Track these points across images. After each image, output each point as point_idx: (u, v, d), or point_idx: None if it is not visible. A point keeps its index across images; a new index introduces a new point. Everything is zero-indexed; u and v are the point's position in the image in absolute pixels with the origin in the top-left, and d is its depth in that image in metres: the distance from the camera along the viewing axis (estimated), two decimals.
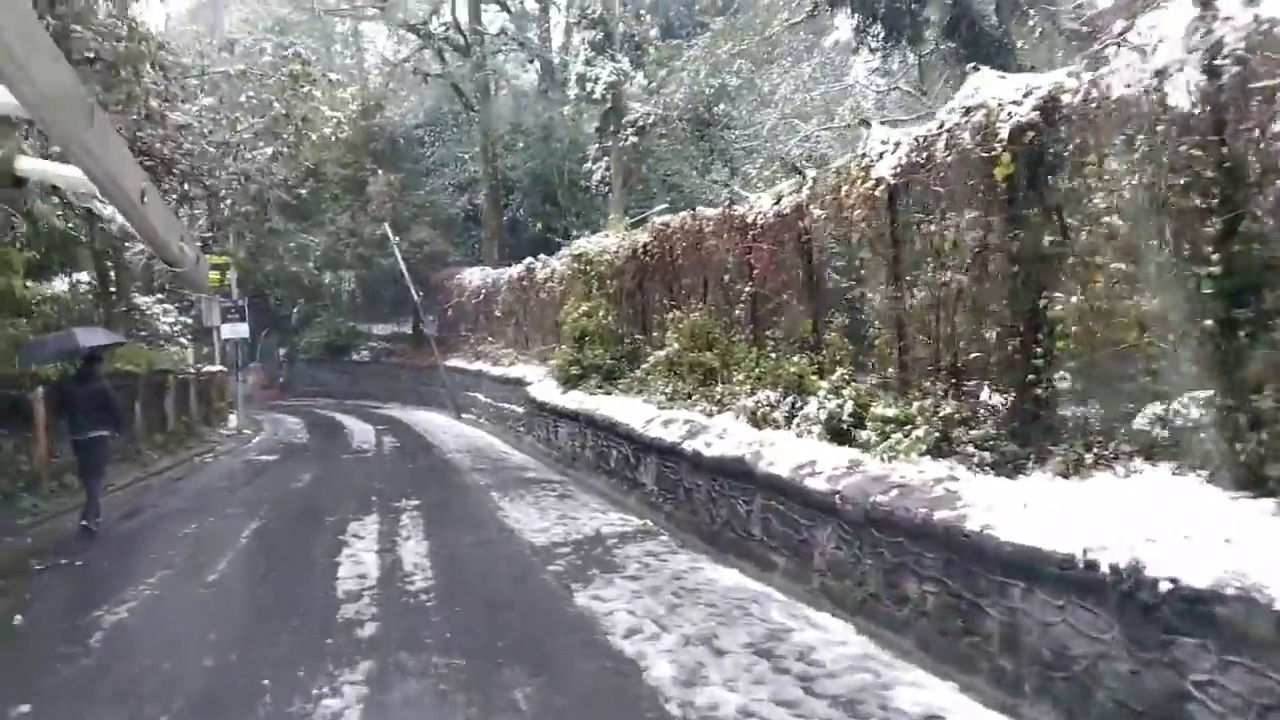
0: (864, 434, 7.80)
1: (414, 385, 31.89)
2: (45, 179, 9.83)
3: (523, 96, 41.55)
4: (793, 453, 7.96)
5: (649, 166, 33.04)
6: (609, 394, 14.88)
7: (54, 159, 9.12)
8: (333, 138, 21.76)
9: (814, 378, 8.98)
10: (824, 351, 9.18)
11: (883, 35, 22.58)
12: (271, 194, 19.78)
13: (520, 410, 20.39)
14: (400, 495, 12.18)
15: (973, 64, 8.50)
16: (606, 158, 28.63)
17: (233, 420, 23.84)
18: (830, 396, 8.33)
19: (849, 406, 8.10)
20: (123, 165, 7.20)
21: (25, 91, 4.96)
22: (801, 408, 8.96)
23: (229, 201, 17.80)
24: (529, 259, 22.95)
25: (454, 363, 28.14)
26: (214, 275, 25.23)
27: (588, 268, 16.33)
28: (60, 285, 23.71)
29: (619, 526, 9.91)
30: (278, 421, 26.13)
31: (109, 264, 20.06)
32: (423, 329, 33.88)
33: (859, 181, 8.14)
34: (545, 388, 18.01)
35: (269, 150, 16.74)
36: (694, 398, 11.54)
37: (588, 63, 28.20)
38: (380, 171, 30.88)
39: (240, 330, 22.46)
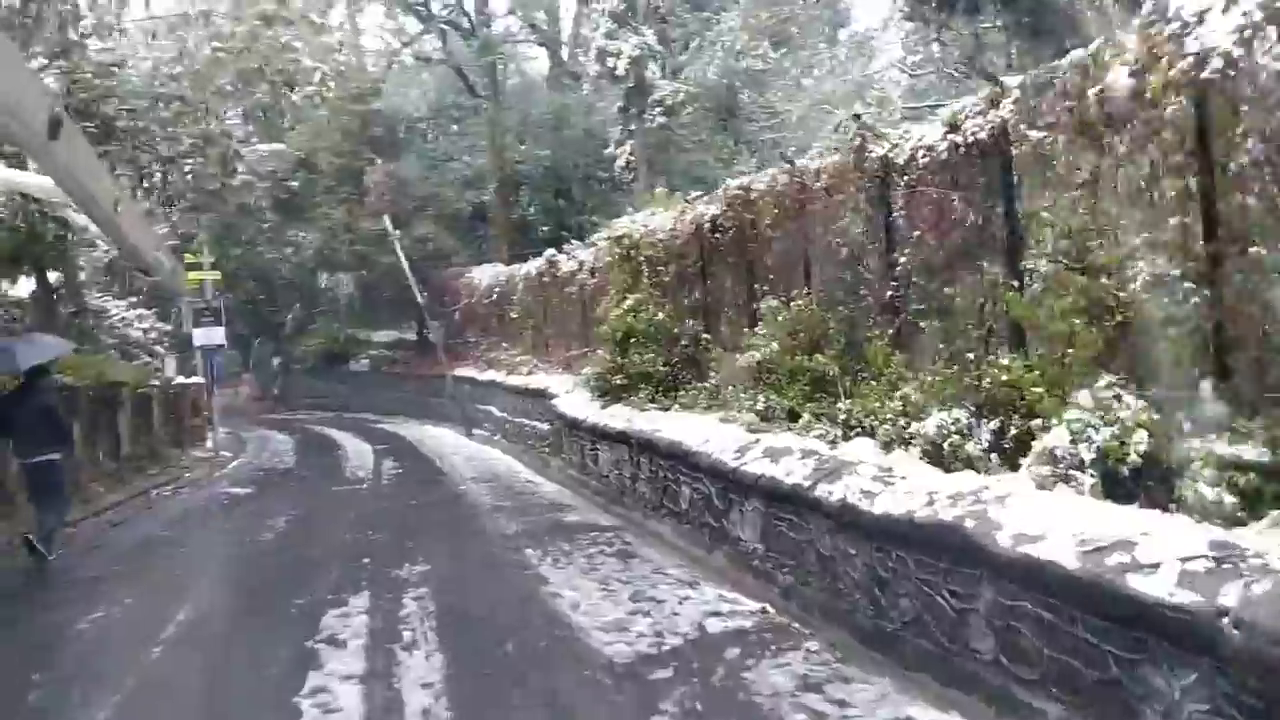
0: (1181, 488, 4.54)
1: (419, 397, 28.62)
2: (17, 188, 10.04)
3: (532, 86, 38.41)
4: (1054, 517, 4.66)
5: (670, 157, 29.89)
6: (665, 409, 11.62)
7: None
8: (318, 98, 18.51)
9: (1041, 389, 5.68)
10: (1049, 348, 5.88)
11: (936, 4, 19.88)
12: (235, 159, 16.49)
13: (544, 427, 17.12)
14: (401, 555, 8.81)
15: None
16: (631, 141, 25.39)
17: (211, 441, 20.56)
18: (1095, 423, 5.04)
19: (1140, 440, 4.82)
20: (94, 174, 6.99)
21: None
22: (1018, 434, 5.70)
23: (189, 174, 14.50)
24: (550, 251, 19.70)
25: (463, 372, 24.88)
26: (192, 277, 22.12)
27: (632, 252, 13.06)
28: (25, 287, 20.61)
29: (726, 617, 6.58)
30: (264, 440, 22.84)
31: (56, 263, 16.82)
32: (427, 335, 30.63)
33: (1152, 61, 4.85)
34: (576, 401, 14.76)
35: (238, 112, 13.41)
36: (803, 418, 8.27)
37: (609, 36, 24.97)
38: (379, 161, 27.62)
39: (215, 336, 19.18)
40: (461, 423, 24.05)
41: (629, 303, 12.73)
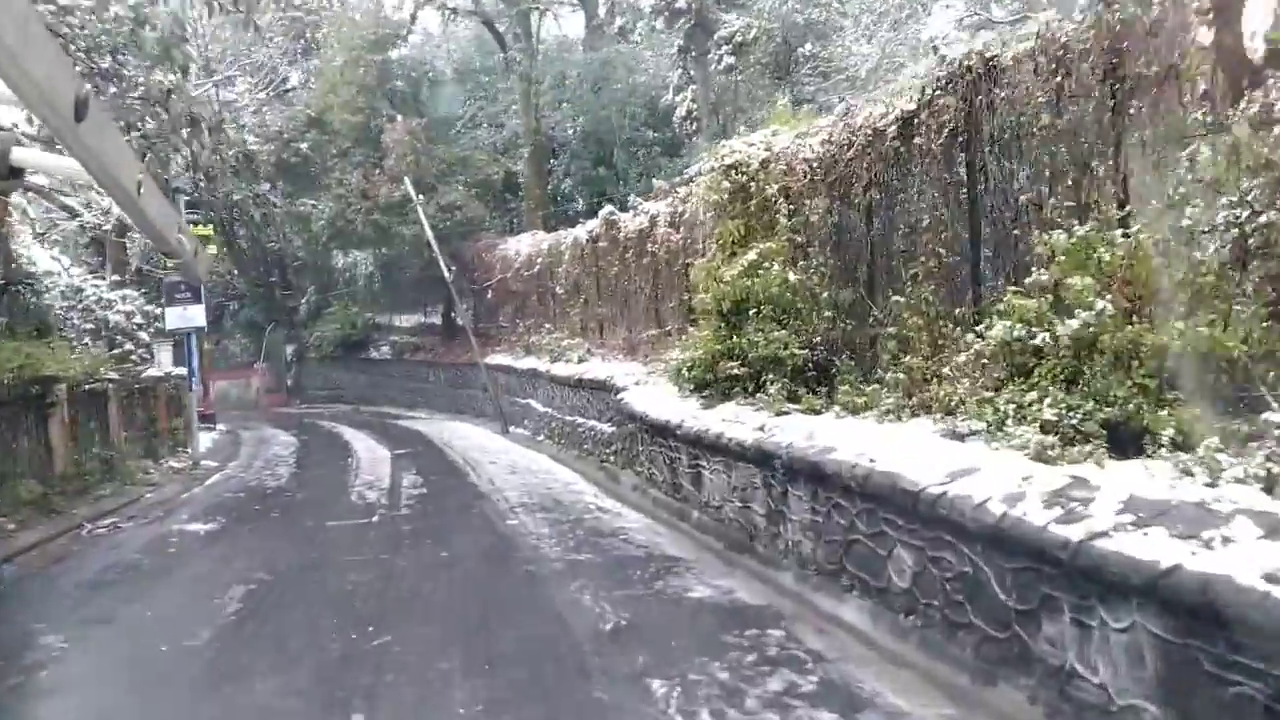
0: None
1: (446, 388, 24.76)
2: (41, 170, 10.28)
3: (567, 47, 34.39)
4: None
5: (726, 115, 25.82)
6: (816, 412, 7.66)
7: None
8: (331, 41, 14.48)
9: None
10: None
11: None
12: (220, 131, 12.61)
13: (607, 429, 13.17)
14: (425, 692, 4.80)
15: None
16: (693, 87, 21.36)
17: (200, 445, 16.70)
18: None
19: None
20: (119, 156, 6.86)
21: (19, 83, 4.77)
22: None
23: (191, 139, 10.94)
24: (608, 209, 15.70)
25: (497, 359, 20.97)
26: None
27: (752, 185, 9.03)
28: None
29: None
30: (264, 442, 18.99)
31: None
32: (454, 318, 26.76)
33: None
34: (657, 397, 10.85)
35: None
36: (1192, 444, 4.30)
37: None
38: (400, 117, 23.65)
39: (193, 317, 15.26)
40: (495, 419, 20.18)
41: (748, 257, 8.71)
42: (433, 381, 25.72)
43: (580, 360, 15.93)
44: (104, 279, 20.64)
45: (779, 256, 8.48)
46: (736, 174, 9.08)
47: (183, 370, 21.83)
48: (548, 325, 18.86)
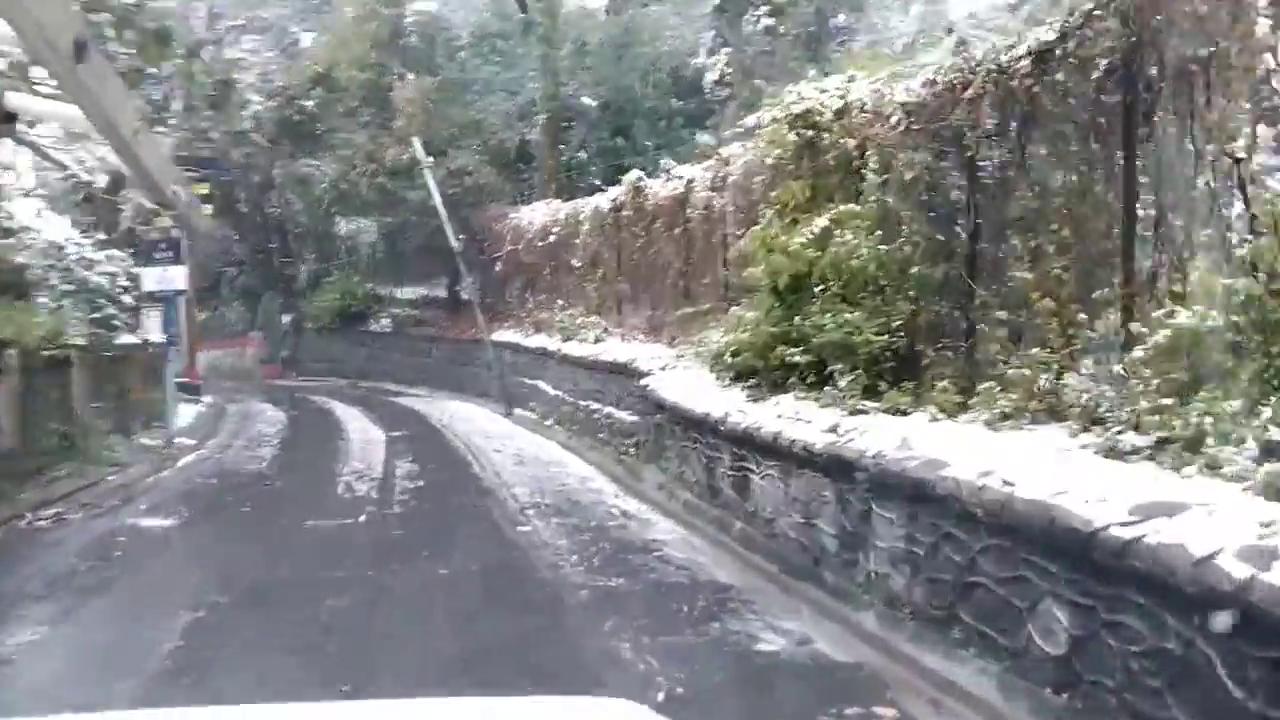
0: None
1: (448, 365, 23.34)
2: (38, 116, 10.19)
3: (589, 12, 32.80)
4: None
5: (753, 88, 24.28)
6: (903, 412, 6.27)
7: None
8: None
9: None
10: None
11: None
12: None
13: (627, 419, 11.79)
14: None
15: None
16: (726, 49, 19.85)
17: (180, 419, 15.32)
18: None
19: None
20: (118, 101, 6.99)
21: (21, 22, 4.93)
22: None
23: None
24: (634, 175, 14.23)
25: (504, 336, 19.57)
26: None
27: (821, 139, 7.58)
28: None
29: None
30: (250, 418, 17.60)
31: None
32: (460, 292, 25.33)
33: None
34: (689, 385, 9.50)
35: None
36: None
37: None
38: (412, 75, 22.13)
39: (173, 279, 13.78)
40: (500, 399, 18.79)
41: (818, 224, 7.27)
42: (435, 357, 24.32)
43: (597, 340, 14.52)
44: (91, 238, 19.23)
45: (856, 223, 7.04)
46: (805, 126, 7.63)
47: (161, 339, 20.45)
48: (561, 301, 17.42)
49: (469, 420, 16.75)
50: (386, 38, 23.08)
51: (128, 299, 18.18)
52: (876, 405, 6.49)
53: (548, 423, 15.64)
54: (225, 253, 33.43)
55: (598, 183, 26.64)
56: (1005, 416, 5.48)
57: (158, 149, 12.71)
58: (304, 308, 30.99)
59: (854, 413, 6.47)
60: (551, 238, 18.06)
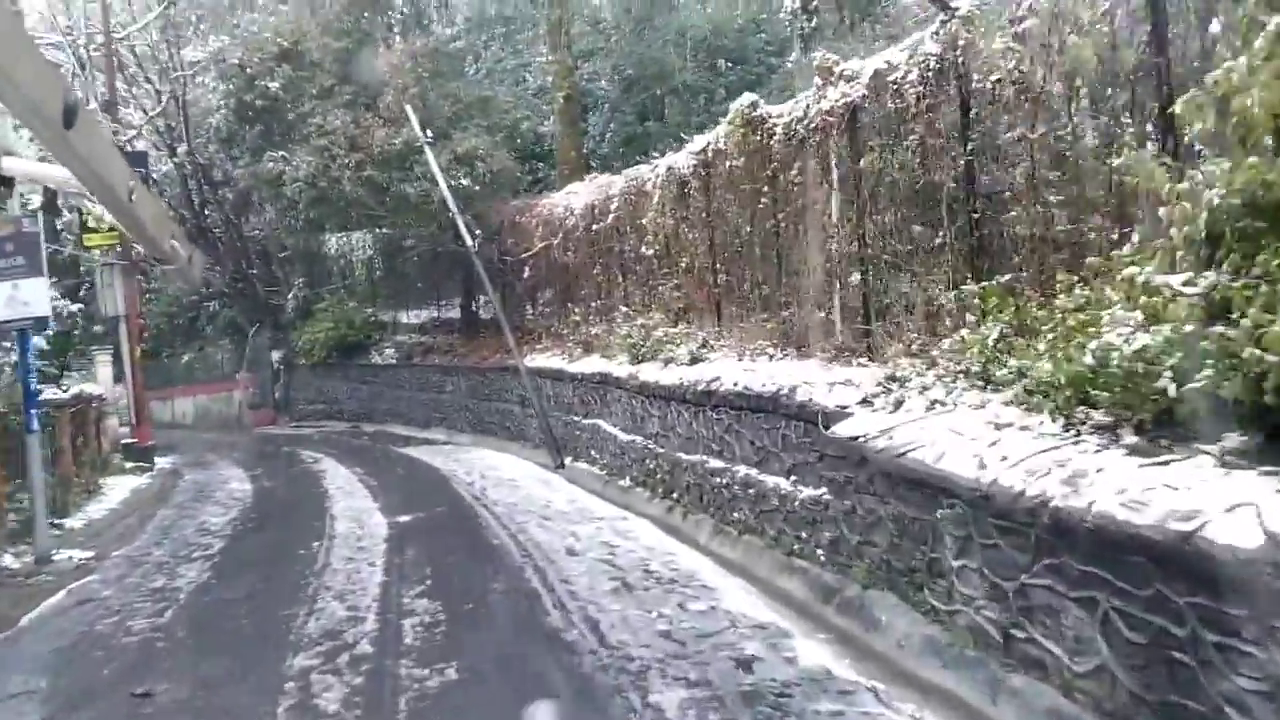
0: None
1: (469, 399, 18.26)
2: (32, 178, 9.80)
3: None
4: None
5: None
6: None
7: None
8: None
9: None
10: None
11: None
12: None
13: (804, 493, 6.62)
14: None
15: None
16: None
17: (100, 504, 10.23)
18: None
19: None
20: (110, 161, 6.65)
21: (7, 94, 4.65)
22: None
23: None
24: (745, 99, 9.07)
25: (539, 361, 14.57)
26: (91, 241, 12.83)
27: None
28: None
29: None
30: (203, 498, 12.43)
31: None
32: (476, 309, 20.28)
33: None
34: (972, 433, 4.28)
35: None
36: None
37: None
38: (400, 39, 17.13)
39: (28, 301, 8.32)
40: (540, 444, 13.75)
41: None
42: (450, 391, 19.22)
43: (694, 359, 9.40)
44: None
45: None
46: None
47: (114, 390, 15.51)
48: (624, 309, 12.34)
49: (511, 484, 11.62)
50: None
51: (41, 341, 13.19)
52: None
53: (622, 483, 10.54)
54: (205, 283, 28.50)
55: (624, 162, 21.79)
56: None
57: (153, 204, 10.33)
58: (294, 341, 25.96)
59: None
60: (603, 223, 12.94)
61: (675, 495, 9.14)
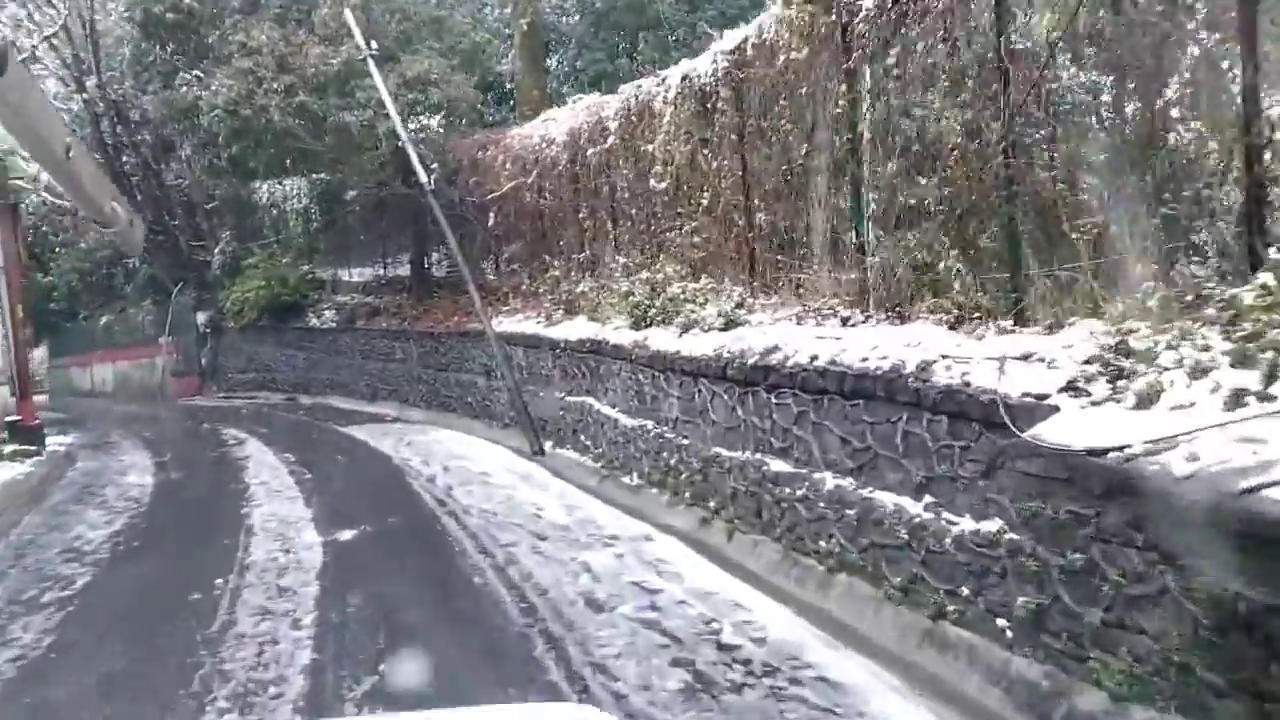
0: None
1: (422, 369, 15.69)
2: None
3: None
4: None
5: None
6: None
7: None
8: None
9: None
10: None
11: None
12: None
13: (961, 526, 4.28)
14: None
15: None
16: None
17: None
18: None
19: None
20: (45, 116, 6.32)
21: None
22: None
23: None
24: None
25: (508, 326, 12.15)
26: None
27: None
28: None
29: None
30: (85, 499, 9.70)
31: None
32: (429, 267, 17.61)
33: None
34: None
35: None
36: None
37: None
38: None
39: None
40: (514, 424, 11.37)
41: None
42: (401, 359, 16.62)
43: (729, 323, 7.03)
44: None
45: None
46: None
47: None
48: (620, 260, 9.88)
49: (483, 480, 9.14)
50: None
51: None
52: None
53: (629, 481, 8.20)
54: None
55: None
56: None
57: (91, 165, 9.66)
58: (222, 302, 22.98)
59: None
60: (596, 151, 10.39)
61: (712, 504, 6.81)
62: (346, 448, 11.96)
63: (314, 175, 20.40)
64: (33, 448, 12.46)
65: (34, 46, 18.11)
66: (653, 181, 8.96)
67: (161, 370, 25.18)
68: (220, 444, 12.94)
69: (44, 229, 27.59)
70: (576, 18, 23.55)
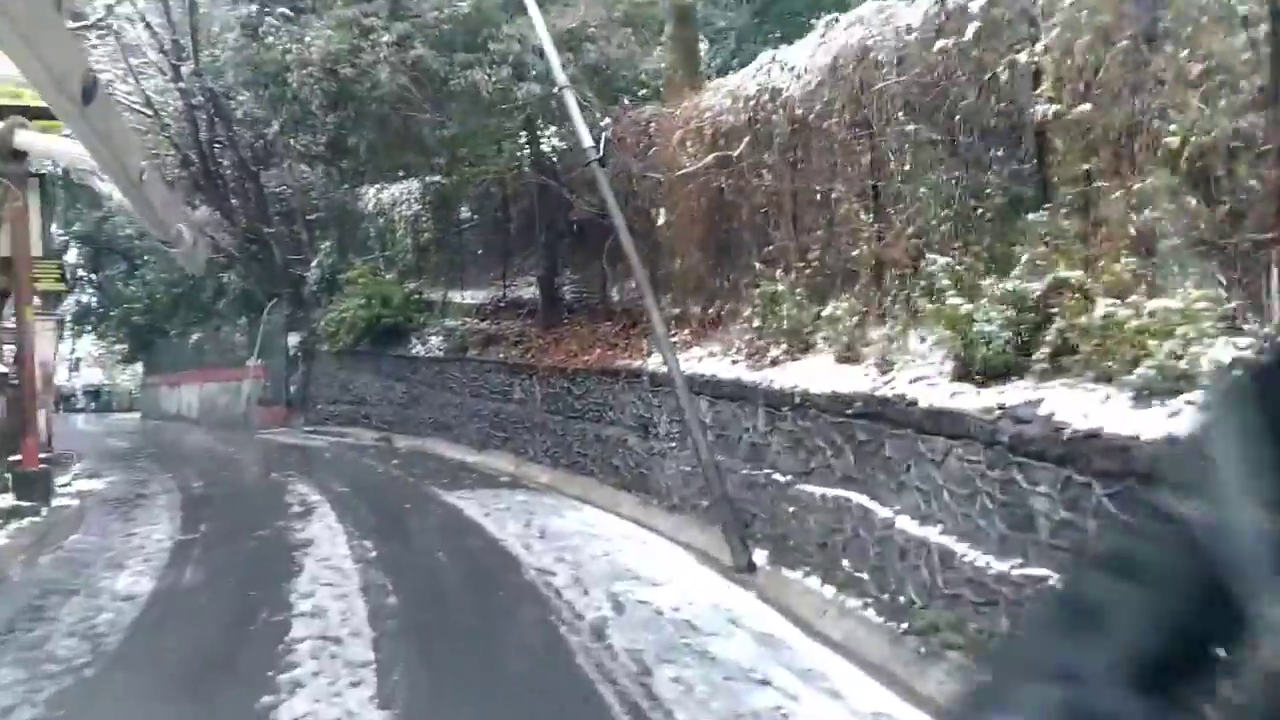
0: None
1: (549, 415, 11.76)
2: (45, 154, 9.71)
3: None
4: None
5: None
6: None
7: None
8: None
9: None
10: None
11: None
12: None
13: None
14: None
15: None
16: None
17: None
18: None
19: None
20: (124, 140, 6.64)
21: (30, 66, 4.50)
22: None
23: None
24: None
25: (692, 363, 8.15)
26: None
27: None
28: None
29: None
30: (74, 586, 6.08)
31: None
32: (560, 288, 13.73)
33: None
34: None
35: None
36: None
37: None
38: None
39: None
40: (692, 509, 7.37)
41: None
42: (520, 400, 12.79)
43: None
44: None
45: None
46: None
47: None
48: (943, 259, 5.77)
49: (676, 627, 5.12)
50: None
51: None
52: None
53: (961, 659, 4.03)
54: (213, 247, 22.43)
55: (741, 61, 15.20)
56: None
57: (163, 188, 9.01)
58: (317, 322, 19.74)
59: None
60: (895, 90, 6.30)
61: None
62: (453, 532, 8.06)
63: (426, 179, 17.05)
64: (29, 503, 8.98)
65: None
66: (1037, 106, 4.79)
67: (246, 398, 22.10)
68: (279, 511, 9.24)
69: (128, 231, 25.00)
70: (733, 9, 19.86)
